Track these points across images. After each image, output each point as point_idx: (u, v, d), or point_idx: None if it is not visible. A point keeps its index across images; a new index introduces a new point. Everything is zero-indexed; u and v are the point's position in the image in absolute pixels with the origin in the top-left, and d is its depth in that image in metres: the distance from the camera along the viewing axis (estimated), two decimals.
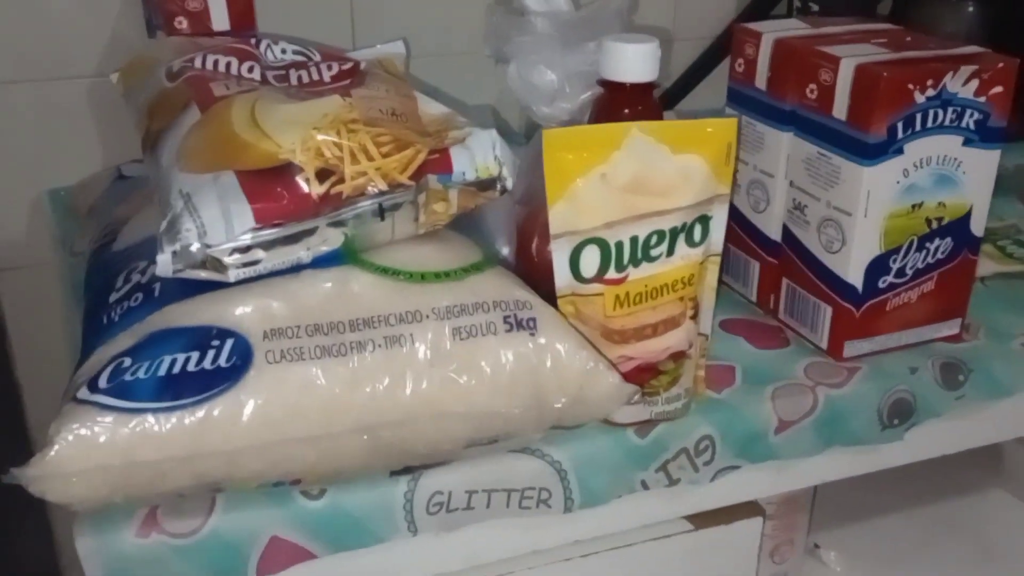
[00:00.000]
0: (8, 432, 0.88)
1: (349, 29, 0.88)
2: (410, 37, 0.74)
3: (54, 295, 0.84)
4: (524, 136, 0.82)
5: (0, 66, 0.79)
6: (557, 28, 0.68)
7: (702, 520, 0.63)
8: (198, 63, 0.58)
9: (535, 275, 0.59)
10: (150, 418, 0.46)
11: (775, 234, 0.66)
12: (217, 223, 0.48)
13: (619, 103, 0.59)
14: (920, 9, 0.96)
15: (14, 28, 0.79)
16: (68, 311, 0.71)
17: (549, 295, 0.55)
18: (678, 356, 0.56)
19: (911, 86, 0.57)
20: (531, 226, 0.64)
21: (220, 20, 0.73)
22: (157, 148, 0.53)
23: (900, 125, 0.57)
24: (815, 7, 0.93)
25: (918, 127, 0.57)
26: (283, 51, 0.63)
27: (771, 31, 0.64)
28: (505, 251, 0.64)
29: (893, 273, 0.61)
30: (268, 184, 0.49)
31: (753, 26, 0.65)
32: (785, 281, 0.66)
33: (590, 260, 0.53)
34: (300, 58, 0.63)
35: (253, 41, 0.62)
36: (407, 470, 0.53)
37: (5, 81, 0.80)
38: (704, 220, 0.55)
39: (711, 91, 0.95)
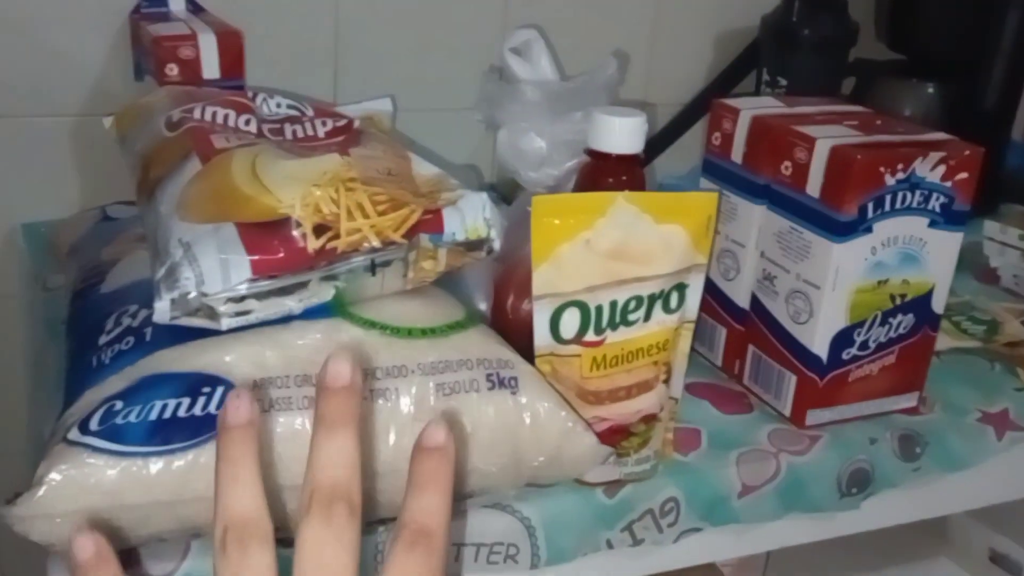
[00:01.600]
0: None
1: (332, 81, 0.90)
2: (390, 92, 0.76)
3: (18, 328, 0.84)
4: (497, 191, 0.85)
5: None
6: (547, 97, 0.71)
7: None
8: (197, 114, 0.59)
9: (509, 331, 0.61)
10: (139, 462, 0.47)
11: (743, 302, 0.68)
12: (215, 273, 0.50)
13: (605, 172, 0.61)
14: (882, 89, 1.01)
15: (1, 63, 0.79)
16: (37, 344, 0.72)
17: (523, 351, 0.57)
18: (649, 419, 0.58)
19: (882, 169, 0.60)
20: (508, 283, 0.66)
21: (211, 68, 0.74)
22: (155, 195, 0.55)
23: (870, 205, 0.60)
24: (783, 81, 0.97)
25: (887, 208, 0.61)
26: (278, 105, 0.64)
27: (748, 108, 0.67)
28: (482, 306, 0.66)
29: (857, 346, 0.64)
30: (266, 237, 0.51)
31: (731, 102, 0.69)
32: (751, 348, 0.68)
33: (570, 322, 0.55)
34: (294, 112, 0.64)
35: (250, 94, 0.64)
36: (382, 521, 0.54)
37: None
38: (681, 288, 0.57)
39: (677, 157, 0.98)
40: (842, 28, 0.95)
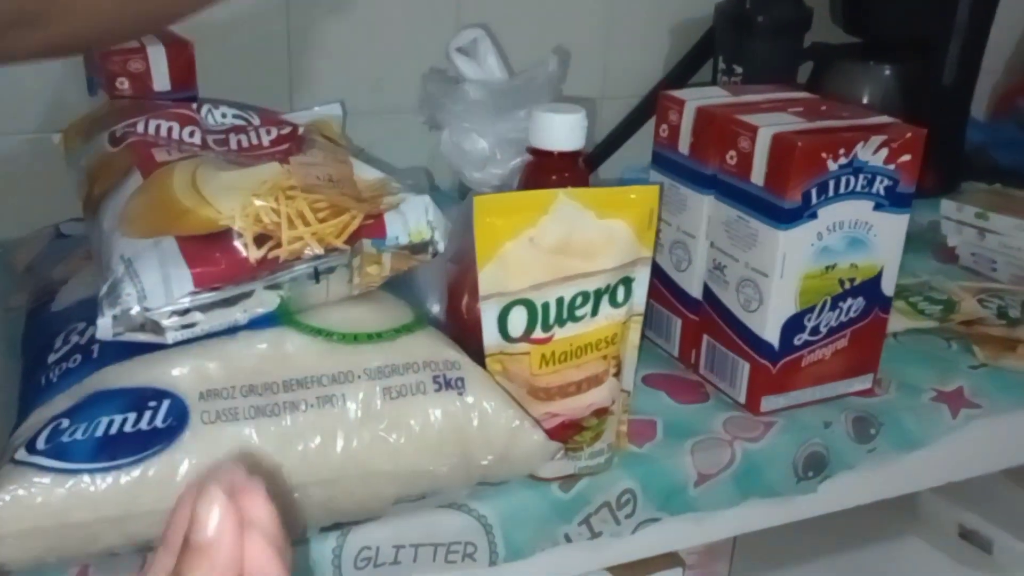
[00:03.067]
0: None
1: (287, 89, 0.90)
2: (345, 97, 0.76)
3: None
4: (457, 194, 0.85)
5: None
6: (490, 96, 0.71)
7: (623, 571, 0.65)
8: (140, 128, 0.59)
9: (465, 332, 0.61)
10: (86, 478, 0.47)
11: (696, 292, 0.69)
12: (157, 287, 0.50)
13: (547, 169, 0.62)
14: (839, 74, 1.01)
15: None
16: (1, 364, 0.72)
17: (479, 351, 0.57)
18: (601, 412, 0.59)
19: (824, 154, 0.60)
20: (461, 284, 0.66)
21: (161, 81, 0.74)
22: (99, 212, 0.55)
23: (814, 191, 0.60)
24: (739, 68, 0.98)
25: (831, 193, 0.61)
26: (223, 115, 0.64)
27: (694, 99, 0.68)
28: (436, 308, 0.67)
29: (808, 331, 0.64)
30: (207, 249, 0.51)
31: (677, 93, 0.69)
32: (706, 337, 0.69)
33: (518, 320, 0.56)
34: (240, 122, 0.64)
35: (195, 106, 0.64)
36: (335, 525, 0.55)
37: None
38: (627, 281, 0.58)
39: (637, 150, 0.99)
40: (797, 13, 0.96)
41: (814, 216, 0.61)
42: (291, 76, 0.89)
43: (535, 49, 0.90)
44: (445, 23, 0.91)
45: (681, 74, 1.01)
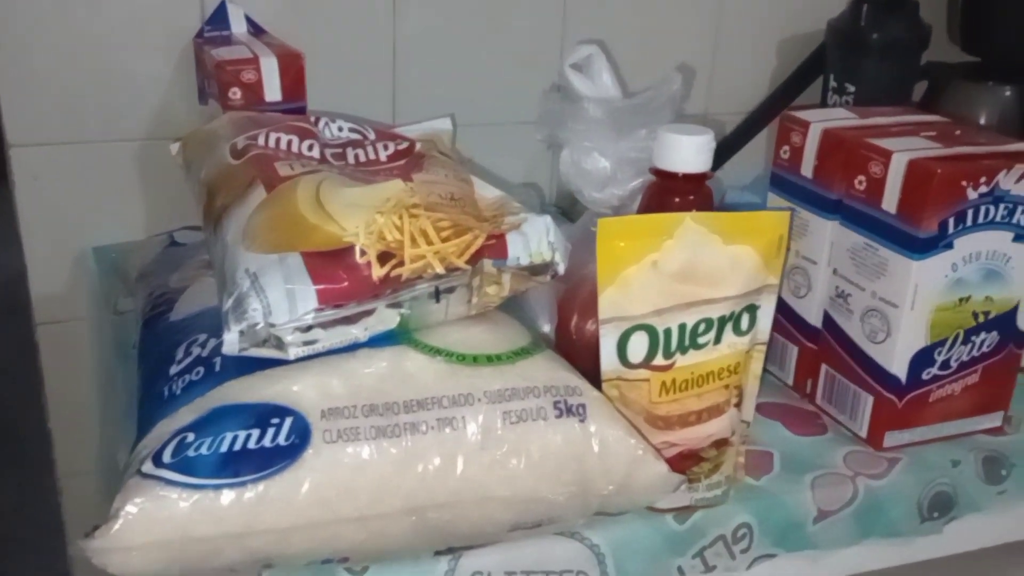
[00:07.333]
0: (37, 480, 0.89)
1: (390, 100, 0.89)
2: (448, 110, 0.75)
3: (88, 350, 0.85)
4: (556, 207, 0.84)
5: (54, 127, 0.81)
6: (609, 115, 0.70)
7: None
8: (261, 141, 0.59)
9: (574, 351, 0.60)
10: (211, 494, 0.47)
11: (815, 320, 0.67)
12: (282, 303, 0.49)
13: (671, 192, 0.60)
14: (956, 93, 0.97)
15: (69, 89, 0.81)
16: (107, 367, 0.72)
17: (587, 372, 0.56)
18: (721, 444, 0.57)
19: (964, 183, 0.58)
20: (571, 303, 0.65)
21: (273, 91, 0.75)
22: (221, 224, 0.55)
23: (951, 220, 0.58)
24: (851, 87, 0.95)
25: (969, 223, 0.58)
26: (340, 129, 0.64)
27: (819, 120, 0.66)
28: (546, 327, 0.65)
29: (938, 365, 0.61)
30: (331, 266, 0.51)
31: (800, 114, 0.67)
32: (824, 367, 0.66)
33: (638, 346, 0.54)
34: (356, 136, 0.64)
35: (312, 119, 0.64)
36: (449, 550, 0.54)
37: (57, 143, 0.82)
38: (752, 309, 0.56)
39: (739, 166, 0.96)
40: (913, 31, 0.92)
41: (950, 246, 0.59)
42: (394, 88, 0.89)
43: (642, 67, 0.88)
44: (550, 37, 0.90)
45: (788, 92, 0.98)
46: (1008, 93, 0.96)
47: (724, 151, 0.98)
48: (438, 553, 0.54)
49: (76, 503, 0.91)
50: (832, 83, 0.95)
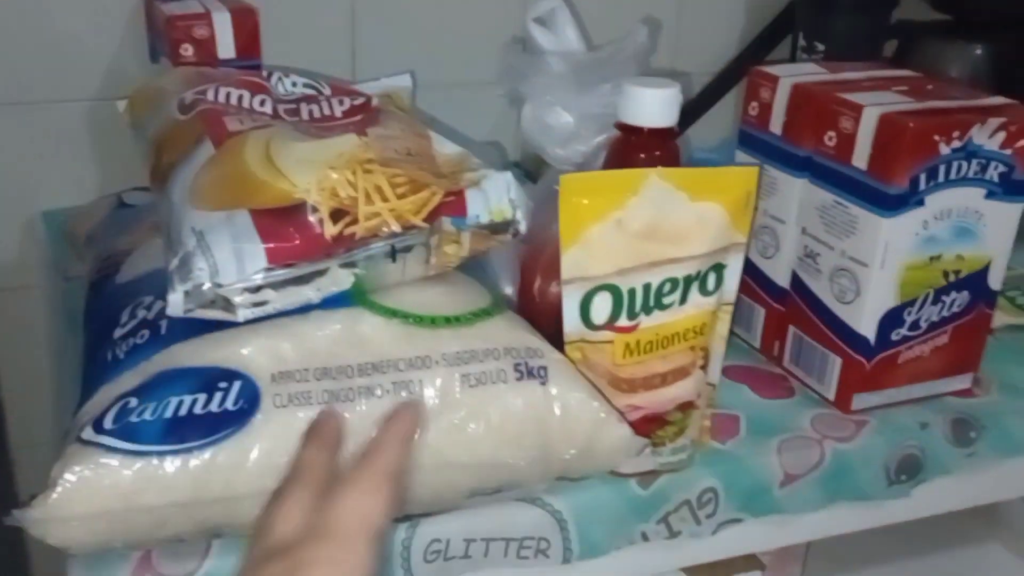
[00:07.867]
0: None
1: (350, 58, 0.87)
2: (409, 67, 0.73)
3: (40, 317, 0.83)
4: (521, 168, 0.82)
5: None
6: (573, 69, 0.68)
7: (700, 572, 0.62)
8: (211, 96, 0.57)
9: (536, 314, 0.59)
10: (155, 461, 0.45)
11: (783, 281, 0.65)
12: (229, 263, 0.47)
13: (636, 147, 0.58)
14: (926, 51, 0.96)
15: (14, 49, 0.78)
16: (59, 334, 0.70)
17: (550, 335, 0.54)
18: (686, 406, 0.56)
19: (936, 137, 0.56)
20: (534, 265, 0.63)
21: (226, 48, 0.72)
22: (168, 182, 0.52)
23: (923, 176, 0.57)
24: (821, 46, 0.93)
25: (941, 179, 0.57)
26: (293, 84, 0.62)
27: (788, 75, 0.64)
28: (508, 289, 0.64)
29: (907, 326, 0.60)
30: (282, 224, 0.49)
31: (770, 69, 0.65)
32: (792, 329, 0.65)
33: (601, 307, 0.53)
34: (311, 91, 0.62)
35: (264, 74, 0.61)
36: (406, 517, 0.52)
37: (3, 103, 0.79)
38: (719, 268, 0.54)
39: (707, 127, 0.95)
40: None
41: (921, 203, 0.57)
42: (353, 46, 0.86)
43: (607, 20, 0.86)
44: None
45: (758, 50, 0.97)
46: (979, 51, 0.95)
47: (691, 112, 0.97)
48: (395, 520, 0.52)
49: (30, 475, 0.89)
50: (801, 42, 0.93)
